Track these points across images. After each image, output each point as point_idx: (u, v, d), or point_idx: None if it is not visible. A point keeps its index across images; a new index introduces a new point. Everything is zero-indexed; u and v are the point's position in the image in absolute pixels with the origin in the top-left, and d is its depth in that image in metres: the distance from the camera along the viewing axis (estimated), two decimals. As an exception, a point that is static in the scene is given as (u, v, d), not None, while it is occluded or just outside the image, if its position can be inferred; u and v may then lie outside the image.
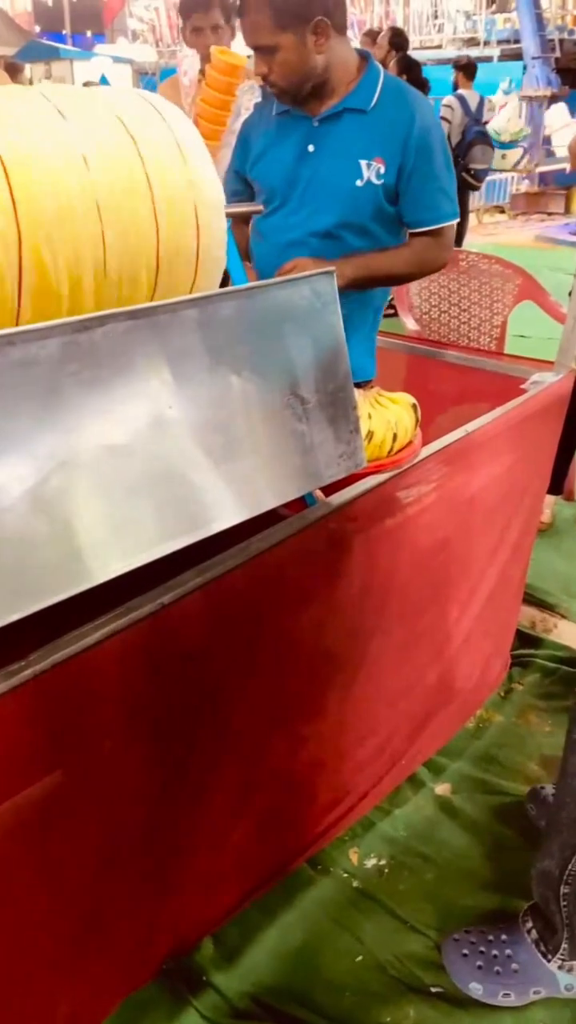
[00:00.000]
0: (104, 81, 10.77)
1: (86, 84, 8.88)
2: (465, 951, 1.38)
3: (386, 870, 1.58)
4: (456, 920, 1.47)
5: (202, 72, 1.04)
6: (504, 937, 1.38)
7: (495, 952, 1.36)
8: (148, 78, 11.78)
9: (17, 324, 0.84)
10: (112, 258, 0.91)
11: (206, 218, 0.98)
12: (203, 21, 2.40)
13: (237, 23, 1.90)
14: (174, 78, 2.61)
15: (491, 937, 1.39)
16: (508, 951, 1.36)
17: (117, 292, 0.95)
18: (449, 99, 6.17)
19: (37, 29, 16.27)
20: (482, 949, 1.37)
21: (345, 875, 1.56)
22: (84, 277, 0.90)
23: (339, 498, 1.24)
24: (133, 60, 12.86)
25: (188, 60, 1.04)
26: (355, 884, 1.55)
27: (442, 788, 1.75)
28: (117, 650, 0.95)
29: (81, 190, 0.86)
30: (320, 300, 1.06)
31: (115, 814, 1.12)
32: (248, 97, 1.00)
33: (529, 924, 1.37)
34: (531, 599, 2.25)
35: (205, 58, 2.36)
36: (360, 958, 1.42)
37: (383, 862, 1.59)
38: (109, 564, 0.84)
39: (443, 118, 6.08)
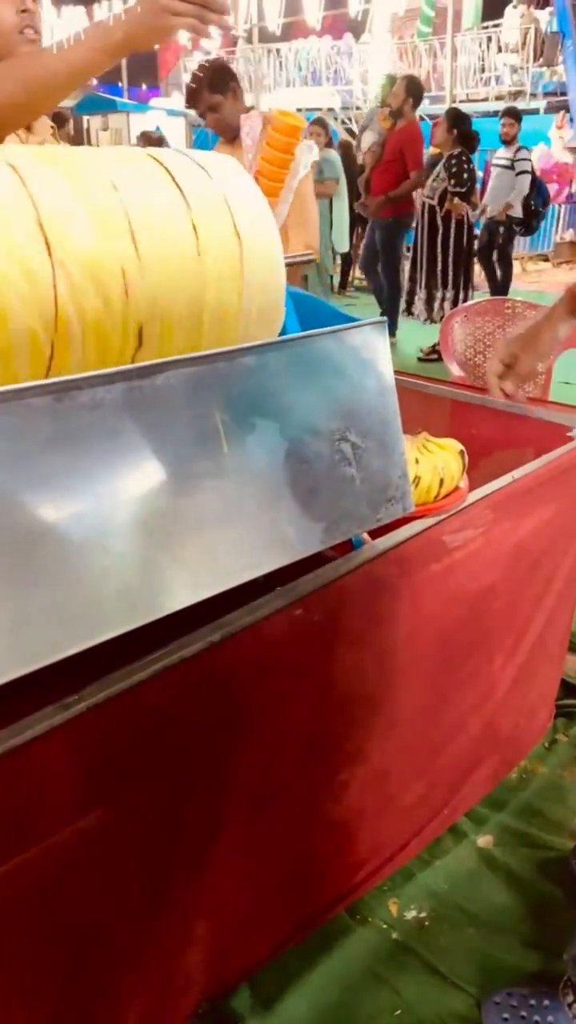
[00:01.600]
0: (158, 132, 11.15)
1: (143, 134, 9.19)
2: (506, 1015, 1.35)
3: (426, 923, 1.55)
4: (497, 978, 1.43)
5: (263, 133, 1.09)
6: (546, 1003, 1.34)
7: (536, 1018, 1.33)
8: (200, 130, 12.16)
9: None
10: (162, 320, 0.93)
11: (263, 275, 1.02)
12: (216, 101, 2.60)
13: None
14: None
15: (532, 1002, 1.35)
16: (550, 1018, 1.32)
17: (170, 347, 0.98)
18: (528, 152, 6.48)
19: (94, 82, 16.94)
20: (523, 1014, 1.34)
21: (384, 926, 1.54)
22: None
23: (385, 542, 1.25)
24: (187, 113, 13.29)
25: (251, 122, 1.09)
26: (394, 936, 1.52)
27: (484, 840, 1.72)
28: (167, 686, 0.97)
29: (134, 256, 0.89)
30: (370, 348, 1.09)
31: (153, 854, 1.12)
32: (307, 156, 1.05)
33: (570, 998, 1.33)
34: (576, 648, 2.22)
35: (217, 129, 2.55)
36: (399, 1012, 1.39)
37: (423, 914, 1.56)
38: (168, 600, 0.86)
39: (527, 172, 6.32)
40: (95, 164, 0.87)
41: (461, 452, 1.38)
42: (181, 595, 0.89)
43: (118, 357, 0.89)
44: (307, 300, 1.21)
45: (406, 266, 6.17)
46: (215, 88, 2.53)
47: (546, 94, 12.41)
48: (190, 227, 0.89)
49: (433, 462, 1.33)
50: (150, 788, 1.05)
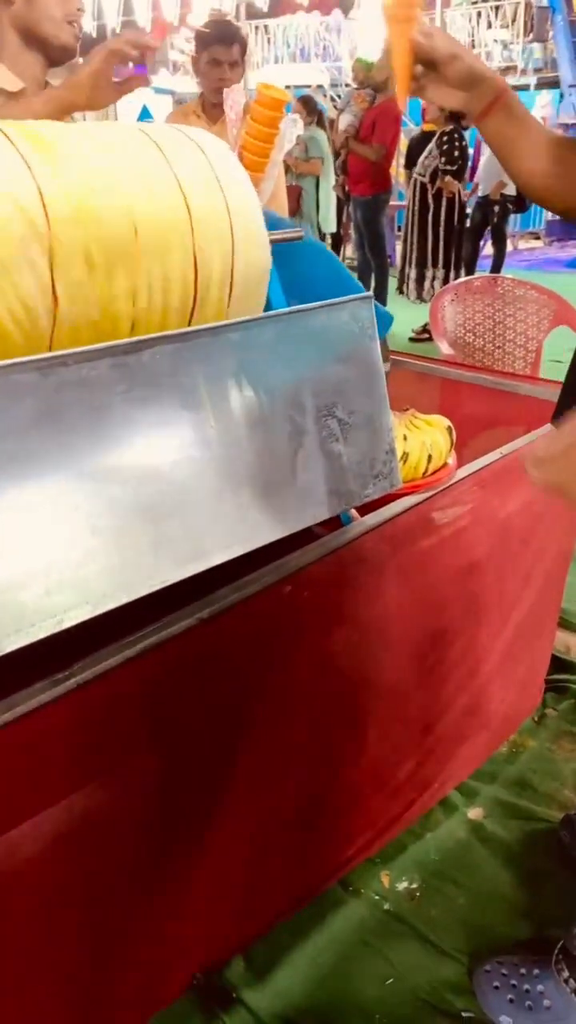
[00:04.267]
0: (146, 111, 11.02)
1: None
2: (496, 983, 1.37)
3: (417, 894, 1.57)
4: (487, 947, 1.46)
5: (245, 107, 1.08)
6: (536, 972, 1.36)
7: (527, 987, 1.35)
8: (187, 108, 12.02)
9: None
10: (156, 290, 0.94)
11: (248, 248, 1.01)
12: (224, 55, 2.51)
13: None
14: (183, 107, 2.70)
15: (523, 971, 1.37)
16: (540, 987, 1.34)
17: (160, 319, 0.98)
18: None
19: (80, 61, 16.71)
20: (514, 983, 1.36)
21: (376, 898, 1.56)
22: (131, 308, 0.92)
23: (374, 518, 1.26)
24: (174, 91, 13.13)
25: (234, 95, 1.08)
26: (386, 907, 1.54)
27: (475, 812, 1.74)
28: (156, 664, 0.98)
29: (129, 223, 0.89)
30: (358, 324, 1.09)
31: (146, 829, 1.13)
32: (291, 130, 1.04)
33: (565, 974, 1.34)
34: (567, 624, 2.24)
35: (215, 91, 2.44)
36: (391, 981, 1.41)
37: (415, 885, 1.59)
38: (154, 577, 0.86)
39: None
40: (83, 138, 0.87)
41: (449, 428, 1.38)
42: (169, 572, 0.89)
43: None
44: (310, 250, 1.20)
45: (398, 244, 6.14)
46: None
47: (536, 70, 12.30)
48: (183, 202, 0.89)
49: (421, 438, 1.33)
50: (142, 764, 1.06)
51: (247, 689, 1.16)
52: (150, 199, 0.88)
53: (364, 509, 1.24)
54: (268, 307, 1.16)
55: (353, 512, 1.26)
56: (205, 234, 0.93)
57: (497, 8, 13.29)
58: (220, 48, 2.50)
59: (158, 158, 0.91)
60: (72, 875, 1.05)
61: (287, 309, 0.99)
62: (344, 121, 5.89)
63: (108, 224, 0.85)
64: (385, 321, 1.32)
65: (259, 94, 1.03)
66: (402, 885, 1.58)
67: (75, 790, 0.99)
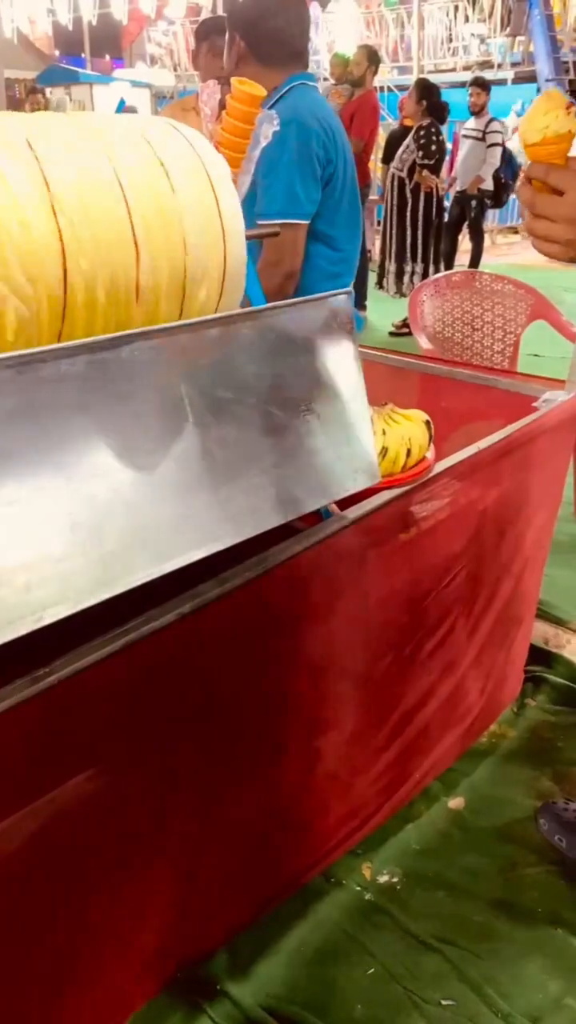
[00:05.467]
0: (122, 104, 10.94)
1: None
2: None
3: (399, 885, 1.58)
4: (468, 936, 1.47)
5: (221, 102, 1.08)
6: None
7: None
8: (166, 100, 11.96)
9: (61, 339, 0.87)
10: (145, 279, 0.94)
11: (228, 242, 1.02)
12: (223, 44, 2.46)
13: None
14: (181, 101, 2.70)
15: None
16: None
17: (145, 310, 0.98)
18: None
19: (57, 53, 16.54)
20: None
21: (358, 888, 1.57)
22: (118, 296, 0.92)
23: (354, 512, 1.27)
24: (152, 84, 13.04)
25: (208, 91, 1.08)
26: (368, 897, 1.56)
27: (455, 802, 1.76)
28: (137, 659, 0.98)
29: (117, 216, 0.89)
30: (336, 319, 1.10)
31: (128, 823, 1.14)
32: (267, 126, 1.04)
33: None
34: (545, 615, 2.26)
35: (221, 81, 2.45)
36: (372, 971, 1.43)
37: (396, 878, 1.60)
38: (134, 572, 0.87)
39: (498, 144, 6.29)
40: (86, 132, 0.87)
41: (427, 422, 1.39)
42: (150, 567, 0.89)
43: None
44: None
45: (376, 239, 6.15)
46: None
47: (513, 64, 12.35)
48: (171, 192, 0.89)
49: (400, 433, 1.34)
50: (123, 759, 1.07)
51: (228, 682, 1.17)
52: (143, 193, 0.89)
53: (344, 503, 1.24)
54: (247, 303, 1.16)
55: (333, 507, 1.27)
56: (196, 231, 0.93)
57: (474, 2, 13.32)
58: (219, 37, 2.49)
59: (148, 153, 0.91)
60: (50, 871, 1.05)
61: (265, 306, 1.00)
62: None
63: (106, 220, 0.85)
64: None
65: (235, 89, 1.04)
66: (383, 877, 1.60)
67: (54, 787, 0.99)
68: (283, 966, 1.43)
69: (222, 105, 1.12)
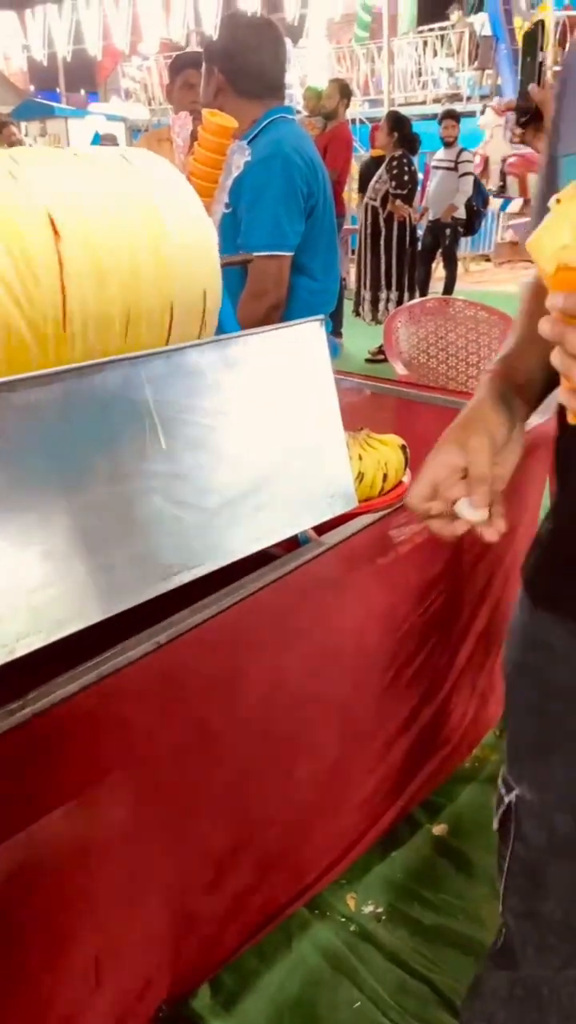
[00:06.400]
0: (97, 138, 11.04)
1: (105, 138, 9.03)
2: None
3: (383, 915, 1.56)
4: (455, 964, 1.45)
5: (193, 134, 1.10)
6: None
7: None
8: (141, 133, 12.09)
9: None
10: (120, 309, 0.94)
11: (202, 268, 1.02)
12: (195, 77, 2.52)
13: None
14: (156, 132, 2.77)
15: None
16: None
17: (121, 341, 0.98)
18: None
19: (32, 88, 16.70)
20: None
21: (343, 919, 1.55)
22: (89, 326, 0.92)
23: (331, 537, 1.27)
24: (126, 118, 13.19)
25: (180, 122, 1.10)
26: (352, 929, 1.53)
27: (439, 828, 1.74)
28: (113, 689, 0.97)
29: (97, 245, 0.89)
30: (310, 346, 1.10)
31: (106, 857, 1.11)
32: (238, 156, 1.05)
33: None
34: (524, 638, 2.26)
35: (193, 113, 2.52)
36: (358, 1004, 1.40)
37: (380, 908, 1.58)
38: (111, 602, 0.86)
39: (470, 173, 6.43)
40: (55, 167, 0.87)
41: (403, 447, 1.40)
42: (125, 597, 0.88)
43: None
44: None
45: (352, 267, 6.23)
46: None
47: (481, 97, 12.62)
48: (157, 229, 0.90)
49: (376, 458, 1.35)
50: (99, 792, 1.05)
51: (206, 711, 1.16)
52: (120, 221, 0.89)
53: (321, 529, 1.24)
54: (221, 330, 1.17)
55: (310, 532, 1.27)
56: (175, 263, 0.94)
57: (443, 37, 13.64)
58: (192, 71, 2.55)
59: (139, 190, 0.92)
60: (27, 910, 1.02)
61: (239, 333, 1.00)
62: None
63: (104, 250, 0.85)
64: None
65: (206, 121, 1.05)
66: (368, 907, 1.58)
67: (30, 822, 0.97)
68: (267, 1001, 1.40)
69: (194, 136, 1.13)
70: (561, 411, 0.83)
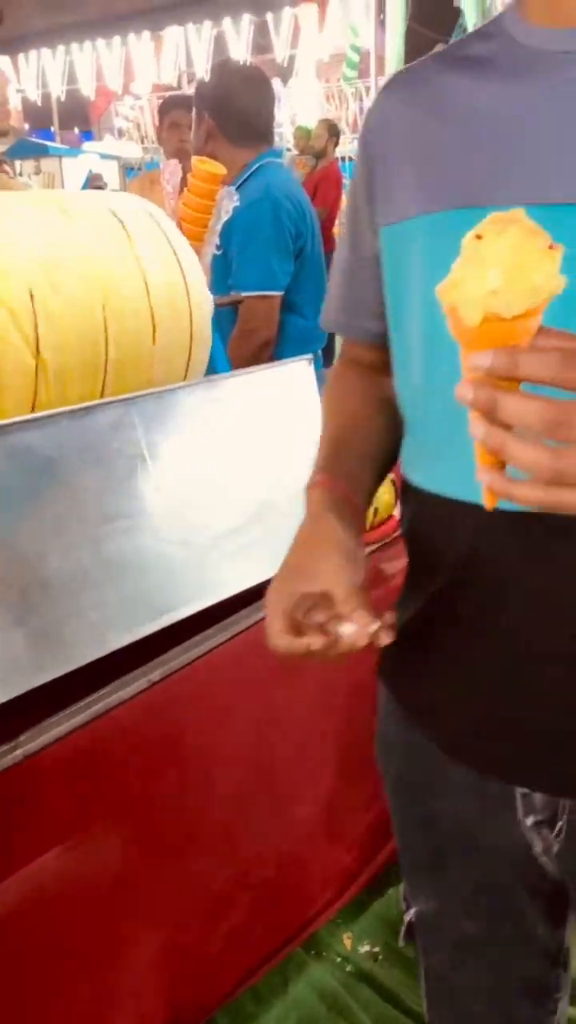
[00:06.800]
0: (86, 182, 11.16)
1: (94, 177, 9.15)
2: None
3: (380, 955, 1.54)
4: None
5: (183, 179, 1.12)
6: None
7: None
8: (134, 171, 12.25)
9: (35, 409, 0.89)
10: (113, 347, 0.96)
11: (192, 307, 1.04)
12: (183, 119, 2.67)
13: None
14: (148, 173, 2.89)
15: None
16: None
17: (115, 377, 1.00)
18: None
19: (26, 127, 16.96)
20: None
21: (339, 959, 1.53)
22: (87, 365, 0.94)
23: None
24: (119, 156, 13.38)
25: (170, 169, 1.12)
26: (349, 969, 1.51)
27: (435, 865, 1.73)
28: (107, 729, 0.97)
29: (85, 288, 0.92)
30: (298, 384, 1.12)
31: (99, 900, 1.10)
32: (228, 202, 1.08)
33: None
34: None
35: (178, 152, 2.64)
36: (356, 1046, 1.38)
37: (377, 947, 1.56)
38: (107, 640, 0.86)
39: None
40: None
41: (392, 482, 1.41)
42: (116, 636, 0.89)
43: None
44: None
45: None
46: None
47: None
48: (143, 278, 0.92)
49: (366, 493, 1.36)
50: (91, 833, 1.04)
51: (200, 748, 1.15)
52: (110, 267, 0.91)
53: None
54: (212, 369, 1.19)
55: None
56: (162, 305, 0.96)
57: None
58: (180, 112, 2.69)
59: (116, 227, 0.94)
60: (23, 952, 1.01)
61: (227, 373, 1.02)
62: (285, 182, 6.13)
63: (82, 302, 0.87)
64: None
65: (196, 168, 1.07)
66: (364, 947, 1.56)
67: (24, 864, 0.96)
68: (264, 1046, 1.38)
69: (184, 181, 1.16)
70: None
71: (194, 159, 1.07)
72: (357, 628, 0.66)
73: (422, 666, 0.77)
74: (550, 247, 0.45)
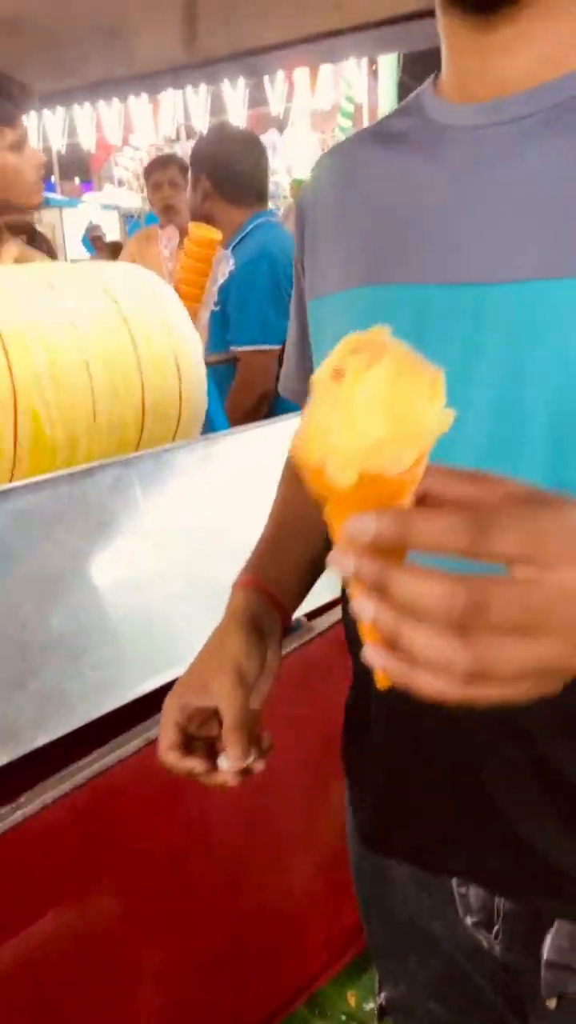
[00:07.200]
0: (86, 241, 11.34)
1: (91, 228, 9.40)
2: None
3: (387, 1012, 1.51)
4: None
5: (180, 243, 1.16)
6: None
7: None
8: (134, 221, 12.47)
9: (13, 478, 0.90)
10: (101, 407, 0.98)
11: (186, 366, 1.07)
12: (161, 176, 2.95)
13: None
14: (145, 230, 3.09)
15: None
16: None
17: (108, 438, 1.02)
18: None
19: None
20: None
21: (344, 1018, 1.50)
22: (77, 427, 0.96)
23: (323, 622, 1.28)
24: (119, 206, 13.63)
25: (168, 234, 1.16)
26: (354, 1028, 1.49)
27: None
28: (106, 787, 0.96)
29: (71, 351, 0.94)
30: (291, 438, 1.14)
31: (98, 959, 1.09)
32: (224, 265, 1.11)
33: None
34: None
35: (165, 209, 2.86)
36: None
37: (382, 1003, 1.53)
38: (108, 698, 0.87)
39: None
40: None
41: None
42: (117, 694, 0.89)
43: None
44: None
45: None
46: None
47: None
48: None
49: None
50: (86, 896, 1.03)
51: (200, 805, 1.15)
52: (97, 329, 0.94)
53: (312, 614, 1.26)
54: (210, 426, 1.21)
55: (301, 618, 1.28)
56: (153, 368, 0.98)
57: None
58: (160, 173, 2.96)
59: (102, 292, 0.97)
60: (21, 1009, 1.00)
61: (223, 431, 1.04)
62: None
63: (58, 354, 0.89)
64: None
65: (192, 233, 1.11)
66: (369, 1005, 1.53)
67: (26, 925, 0.95)
68: None
69: (180, 243, 1.20)
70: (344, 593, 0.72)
71: (190, 225, 1.10)
72: (230, 764, 0.65)
73: (355, 747, 0.76)
74: (431, 374, 0.36)
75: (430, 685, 0.36)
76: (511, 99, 0.55)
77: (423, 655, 0.35)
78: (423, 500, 0.37)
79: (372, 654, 0.37)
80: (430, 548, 0.34)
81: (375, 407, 0.34)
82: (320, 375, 0.36)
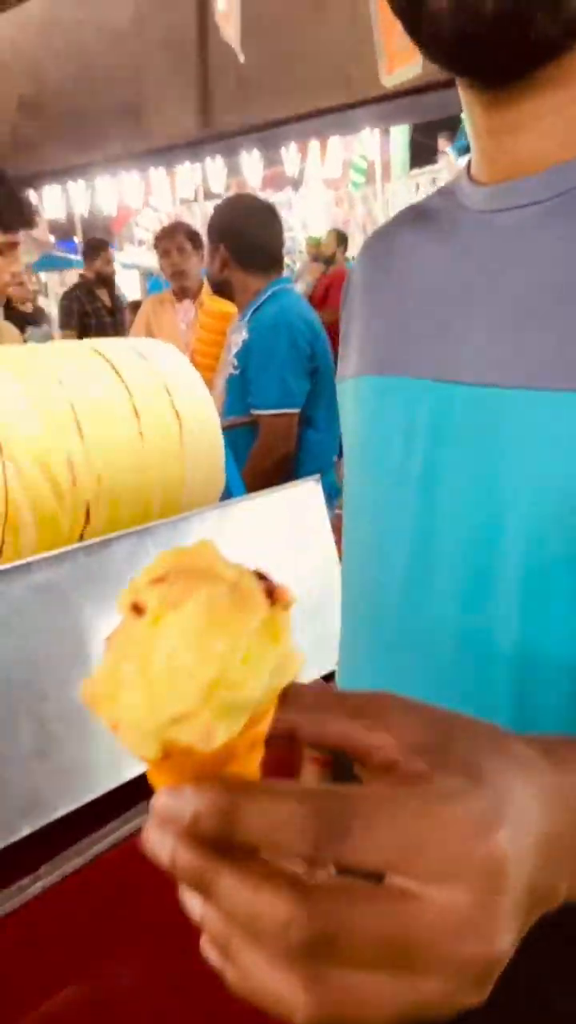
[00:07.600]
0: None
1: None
2: None
3: None
4: None
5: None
6: None
7: None
8: (154, 279, 12.79)
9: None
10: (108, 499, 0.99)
11: (199, 440, 1.09)
12: (169, 244, 3.02)
13: (204, 251, 2.50)
14: (159, 295, 3.25)
15: None
16: None
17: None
18: None
19: (52, 239, 17.82)
20: None
21: None
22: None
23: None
24: (139, 265, 14.00)
25: (184, 308, 1.20)
26: None
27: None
28: (124, 857, 0.96)
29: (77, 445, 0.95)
30: (308, 504, 1.16)
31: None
32: (237, 336, 1.15)
33: None
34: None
35: (174, 275, 3.05)
36: None
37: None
38: (129, 765, 0.87)
39: None
40: (43, 362, 0.95)
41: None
42: (132, 766, 0.90)
43: (67, 535, 0.94)
44: None
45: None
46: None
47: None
48: (132, 412, 0.97)
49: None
50: (108, 967, 1.02)
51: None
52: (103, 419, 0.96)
53: (328, 679, 1.25)
54: (228, 492, 1.23)
55: (320, 682, 1.28)
56: (161, 437, 1.00)
57: (434, 179, 14.56)
58: (166, 240, 3.06)
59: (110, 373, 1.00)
60: None
61: (238, 498, 1.06)
62: (298, 289, 6.52)
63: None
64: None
65: (207, 306, 1.15)
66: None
67: (45, 999, 0.94)
68: None
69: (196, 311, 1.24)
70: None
71: (205, 298, 1.15)
72: None
73: None
74: (271, 607, 0.27)
75: (271, 1010, 0.28)
76: (523, 182, 0.53)
77: (258, 983, 0.28)
78: (291, 741, 0.27)
79: (209, 951, 0.28)
80: (264, 847, 0.27)
81: (177, 666, 0.25)
82: (122, 600, 0.28)
